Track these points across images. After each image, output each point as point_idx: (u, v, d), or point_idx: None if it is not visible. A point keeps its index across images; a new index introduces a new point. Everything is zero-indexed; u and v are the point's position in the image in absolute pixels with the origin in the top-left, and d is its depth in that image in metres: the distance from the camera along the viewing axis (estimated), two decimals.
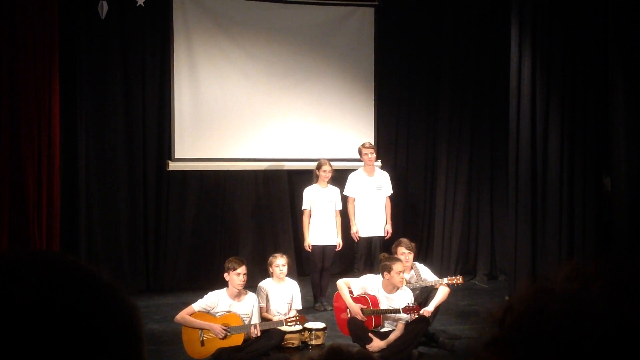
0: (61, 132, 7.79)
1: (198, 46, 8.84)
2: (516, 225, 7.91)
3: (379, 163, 9.02)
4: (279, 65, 9.13)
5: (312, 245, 7.96)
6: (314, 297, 7.98)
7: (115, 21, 8.41)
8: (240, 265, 6.19)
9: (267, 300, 6.63)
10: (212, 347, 6.06)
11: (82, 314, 0.79)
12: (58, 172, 7.65)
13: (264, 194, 9.25)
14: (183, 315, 6.12)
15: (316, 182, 8.05)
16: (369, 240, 8.17)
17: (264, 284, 6.73)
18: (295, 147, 9.17)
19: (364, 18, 9.45)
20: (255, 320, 6.22)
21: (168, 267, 8.84)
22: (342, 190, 8.18)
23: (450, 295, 6.88)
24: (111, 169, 8.62)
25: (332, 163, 8.12)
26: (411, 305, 6.17)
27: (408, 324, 6.24)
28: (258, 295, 6.53)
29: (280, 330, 6.27)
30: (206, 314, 6.12)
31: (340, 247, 8.08)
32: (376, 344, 6.19)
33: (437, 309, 6.66)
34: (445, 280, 6.76)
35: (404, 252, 6.81)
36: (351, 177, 8.24)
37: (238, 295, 6.22)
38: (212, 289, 6.37)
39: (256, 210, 9.20)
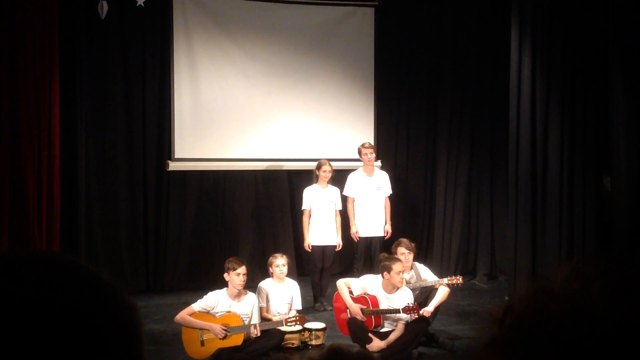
0: (61, 132, 7.79)
1: (198, 46, 8.84)
2: (516, 225, 7.91)
3: (378, 163, 9.02)
4: (279, 65, 9.13)
5: (312, 246, 7.96)
6: (314, 297, 7.98)
7: (115, 21, 8.41)
8: (240, 266, 6.19)
9: (267, 301, 6.63)
10: (212, 347, 6.06)
11: (82, 314, 0.79)
12: (58, 172, 7.65)
13: (264, 194, 9.26)
14: (183, 315, 6.12)
15: (316, 182, 8.05)
16: (369, 241, 8.17)
17: (264, 284, 6.74)
18: (295, 147, 9.17)
19: (364, 18, 9.45)
20: (255, 320, 6.22)
21: (168, 267, 8.84)
22: (341, 190, 8.19)
23: (450, 296, 6.88)
24: (111, 169, 8.61)
25: (332, 163, 8.12)
26: (411, 305, 6.17)
27: (408, 324, 6.24)
28: (258, 295, 6.54)
29: (280, 330, 6.27)
30: (206, 314, 6.12)
31: (340, 247, 8.08)
32: (376, 344, 6.19)
33: (437, 309, 6.66)
34: (445, 280, 6.76)
35: (404, 252, 6.81)
36: (350, 177, 8.24)
37: (238, 296, 6.22)
38: (212, 289, 6.37)
39: (256, 210, 9.20)
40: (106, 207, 8.57)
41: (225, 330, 6.04)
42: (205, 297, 6.22)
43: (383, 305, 6.33)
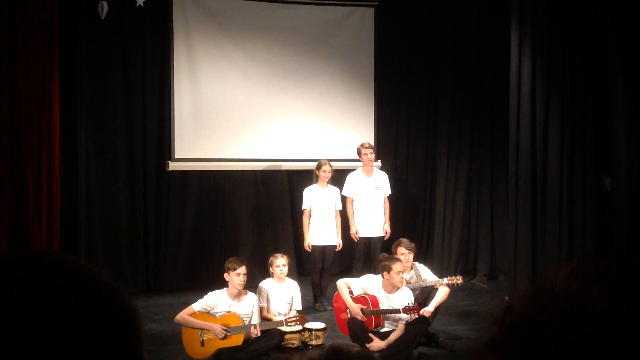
0: (61, 132, 7.79)
1: (198, 46, 8.84)
2: (516, 225, 7.91)
3: (378, 163, 9.02)
4: (278, 65, 9.13)
5: (312, 246, 7.95)
6: (314, 297, 7.98)
7: (115, 21, 8.41)
8: (240, 266, 6.19)
9: (268, 301, 6.63)
10: (212, 347, 6.06)
11: (81, 314, 0.79)
12: (58, 172, 7.65)
13: (264, 194, 9.25)
14: (183, 315, 6.12)
15: (316, 182, 8.05)
16: (368, 241, 8.17)
17: (265, 284, 6.73)
18: (295, 147, 9.17)
19: (364, 18, 9.45)
20: (255, 320, 6.22)
21: (168, 267, 8.83)
22: (341, 190, 8.18)
23: (450, 296, 6.88)
24: (111, 169, 8.61)
25: (332, 163, 8.12)
26: (411, 305, 6.17)
27: (408, 324, 6.24)
28: (259, 295, 6.54)
29: (280, 330, 6.27)
30: (206, 314, 6.12)
31: (340, 247, 8.08)
32: (376, 344, 6.19)
33: (437, 309, 6.66)
34: (445, 280, 6.76)
35: (404, 252, 6.81)
36: (349, 178, 8.23)
37: (238, 296, 6.22)
38: (212, 289, 6.37)
39: (256, 211, 9.20)
40: (106, 207, 8.57)
41: (225, 330, 6.04)
42: (205, 297, 6.22)
43: (383, 305, 6.33)
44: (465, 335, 6.90)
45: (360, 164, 8.32)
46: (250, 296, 6.31)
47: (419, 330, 6.23)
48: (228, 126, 8.96)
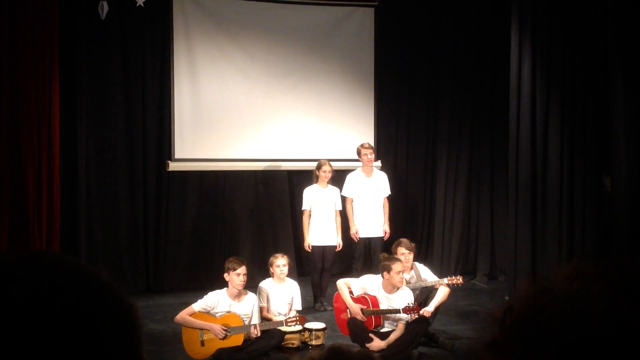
0: (61, 132, 7.79)
1: (198, 46, 8.84)
2: (516, 225, 7.91)
3: (378, 163, 9.02)
4: (278, 66, 9.13)
5: (312, 246, 7.95)
6: (314, 297, 7.98)
7: (115, 21, 8.41)
8: (240, 266, 6.19)
9: (268, 301, 6.63)
10: (212, 348, 6.06)
11: (81, 314, 0.79)
12: (58, 172, 7.65)
13: (264, 194, 9.25)
14: (183, 315, 6.12)
15: (316, 182, 8.05)
16: (367, 241, 8.17)
17: (265, 284, 6.73)
18: (295, 147, 9.17)
19: (364, 18, 9.45)
20: (255, 320, 6.22)
21: (168, 267, 8.84)
22: (341, 190, 8.18)
23: (450, 296, 6.88)
24: (111, 169, 8.61)
25: (332, 163, 8.12)
26: (411, 305, 6.17)
27: (408, 324, 6.24)
28: (259, 295, 6.54)
29: (280, 330, 6.27)
30: (206, 314, 6.12)
31: (341, 247, 8.08)
32: (376, 344, 6.19)
33: (437, 309, 6.66)
34: (445, 280, 6.76)
35: (404, 252, 6.81)
36: (349, 178, 8.23)
37: (238, 296, 6.22)
38: (212, 289, 6.37)
39: (256, 211, 9.20)
40: (106, 207, 8.57)
41: (225, 330, 6.04)
42: (205, 297, 6.22)
43: (383, 305, 6.33)
44: (465, 335, 6.90)
45: (360, 164, 8.32)
46: (250, 296, 6.31)
47: (419, 330, 6.23)
48: (228, 126, 8.96)
